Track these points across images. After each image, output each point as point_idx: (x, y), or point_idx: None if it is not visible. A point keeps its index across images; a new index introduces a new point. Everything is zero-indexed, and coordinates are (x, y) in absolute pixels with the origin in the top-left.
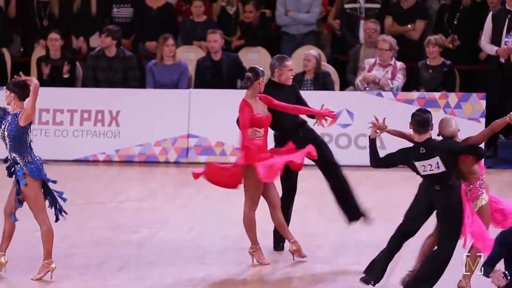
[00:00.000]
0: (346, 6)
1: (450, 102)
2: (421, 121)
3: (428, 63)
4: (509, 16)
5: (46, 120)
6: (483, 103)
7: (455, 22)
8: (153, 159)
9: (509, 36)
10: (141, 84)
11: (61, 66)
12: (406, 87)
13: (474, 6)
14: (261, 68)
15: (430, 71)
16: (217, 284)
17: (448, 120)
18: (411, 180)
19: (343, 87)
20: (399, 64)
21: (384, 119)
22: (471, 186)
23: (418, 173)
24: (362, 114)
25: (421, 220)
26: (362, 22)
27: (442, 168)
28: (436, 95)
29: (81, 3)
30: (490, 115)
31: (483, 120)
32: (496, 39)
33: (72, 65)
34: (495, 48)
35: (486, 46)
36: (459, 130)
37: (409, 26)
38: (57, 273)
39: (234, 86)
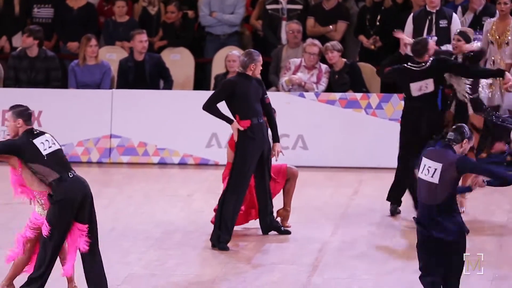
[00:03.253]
0: (268, 7)
1: (372, 102)
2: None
3: (333, 69)
4: (429, 17)
5: None
6: None
7: (377, 23)
8: (75, 159)
9: (429, 38)
10: (63, 85)
11: None
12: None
13: (395, 7)
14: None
15: (336, 76)
16: (141, 284)
17: None
18: (334, 179)
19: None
20: (324, 67)
21: None
22: None
23: None
24: (284, 114)
25: None
26: (284, 23)
27: None
28: (358, 95)
29: (3, 2)
30: None
31: None
32: None
33: None
34: None
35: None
36: None
37: (330, 27)
38: None
39: (156, 87)
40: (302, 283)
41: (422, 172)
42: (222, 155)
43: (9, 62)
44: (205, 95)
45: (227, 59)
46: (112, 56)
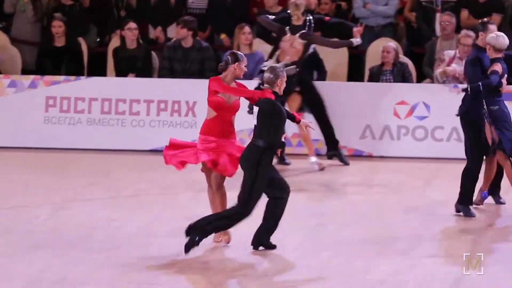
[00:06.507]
0: None
1: None
2: None
3: None
4: None
5: (122, 110)
6: None
7: None
8: None
9: None
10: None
11: (137, 56)
12: None
13: None
14: (241, 54)
15: None
16: (294, 276)
17: None
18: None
19: (419, 80)
20: None
21: None
22: None
23: None
24: (439, 106)
25: None
26: (438, 15)
27: None
28: None
29: None
30: None
31: None
32: None
33: (147, 55)
34: None
35: None
36: None
37: (485, 19)
38: (133, 263)
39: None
40: None
41: None
42: (374, 146)
43: (164, 52)
44: (359, 86)
45: (383, 50)
46: (266, 47)
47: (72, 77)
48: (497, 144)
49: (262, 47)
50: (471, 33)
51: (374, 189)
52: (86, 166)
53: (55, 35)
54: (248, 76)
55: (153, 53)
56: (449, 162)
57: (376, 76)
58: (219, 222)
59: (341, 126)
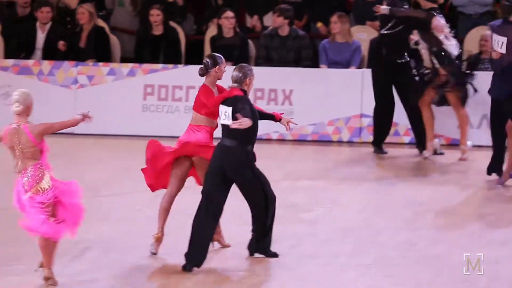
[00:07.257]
0: None
1: None
2: None
3: None
4: None
5: None
6: None
7: None
8: (326, 138)
9: None
10: (314, 64)
11: (234, 44)
12: None
13: None
14: (219, 55)
15: None
16: (391, 266)
17: None
18: None
19: None
20: None
21: None
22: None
23: None
24: None
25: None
26: None
27: None
28: None
29: None
30: None
31: None
32: None
33: (244, 43)
34: None
35: None
36: None
37: None
38: (231, 250)
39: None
40: None
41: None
42: (472, 135)
43: (260, 41)
44: None
45: (481, 39)
46: (362, 35)
47: (170, 65)
48: None
49: (359, 35)
50: None
51: (471, 178)
52: None
53: (153, 24)
54: (345, 65)
55: (250, 42)
56: None
57: (474, 64)
58: (272, 222)
59: (438, 115)
